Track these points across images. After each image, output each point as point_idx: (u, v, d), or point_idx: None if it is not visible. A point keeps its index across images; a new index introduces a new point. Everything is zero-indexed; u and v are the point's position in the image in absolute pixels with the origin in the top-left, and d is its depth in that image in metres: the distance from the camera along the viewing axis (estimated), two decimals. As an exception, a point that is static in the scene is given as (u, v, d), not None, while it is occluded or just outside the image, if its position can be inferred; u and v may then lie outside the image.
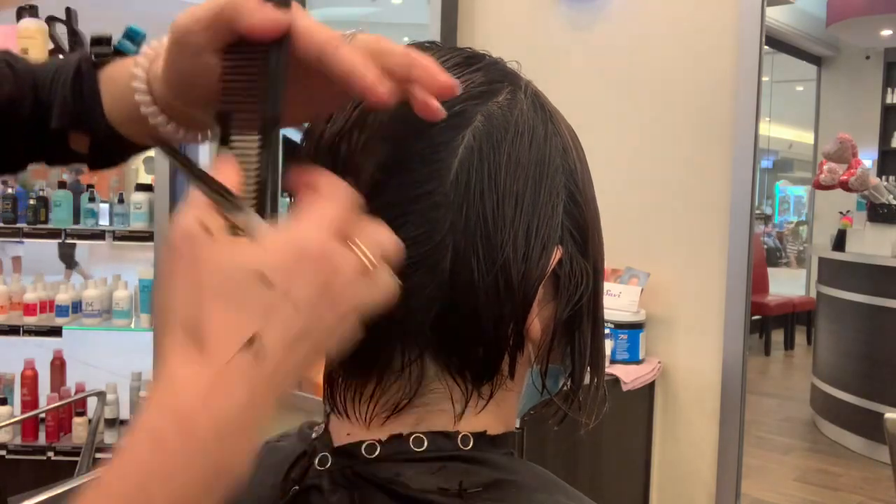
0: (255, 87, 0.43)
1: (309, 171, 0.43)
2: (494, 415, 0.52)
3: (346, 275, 0.40)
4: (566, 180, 0.51)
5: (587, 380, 0.54)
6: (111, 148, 0.62)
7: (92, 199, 2.93)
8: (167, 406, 0.37)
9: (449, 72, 0.46)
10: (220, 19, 0.43)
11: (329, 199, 0.41)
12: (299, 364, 0.39)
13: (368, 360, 0.50)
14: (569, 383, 0.54)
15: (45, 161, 0.66)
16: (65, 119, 0.61)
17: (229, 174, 0.41)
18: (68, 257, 8.56)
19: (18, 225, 2.90)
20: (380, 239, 0.42)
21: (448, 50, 0.52)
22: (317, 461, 0.51)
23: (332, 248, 0.39)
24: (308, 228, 0.39)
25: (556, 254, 0.50)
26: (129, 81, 0.54)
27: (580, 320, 0.52)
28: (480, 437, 0.50)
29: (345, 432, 0.51)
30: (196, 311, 0.38)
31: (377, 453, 0.49)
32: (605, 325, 2.28)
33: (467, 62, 0.51)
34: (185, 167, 0.43)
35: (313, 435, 0.54)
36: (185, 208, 0.40)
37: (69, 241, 2.96)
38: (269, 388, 0.38)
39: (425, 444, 0.49)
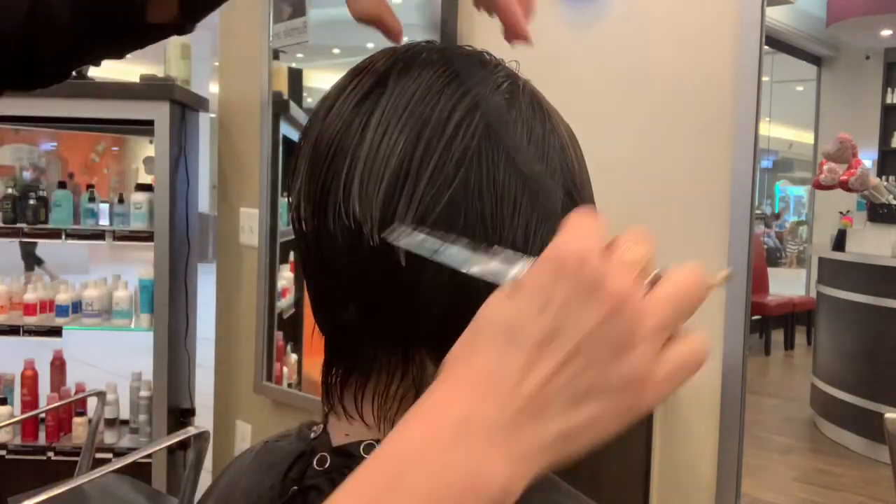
0: None
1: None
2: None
3: (619, 277, 0.39)
4: (564, 179, 0.51)
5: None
6: (203, 2, 0.59)
7: (92, 199, 2.94)
8: (418, 408, 0.37)
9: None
10: None
11: (584, 217, 0.41)
12: (563, 370, 0.37)
13: (366, 360, 0.50)
14: None
15: (112, 54, 0.63)
16: None
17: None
18: (30, 256, 8.33)
19: (18, 225, 2.90)
20: (683, 282, 0.42)
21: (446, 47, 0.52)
22: (315, 461, 0.51)
23: (593, 253, 0.39)
24: (567, 237, 0.39)
25: None
26: None
27: None
28: None
29: (343, 432, 0.51)
30: (458, 345, 0.38)
31: None
32: (605, 325, 2.28)
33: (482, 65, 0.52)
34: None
35: (312, 435, 0.54)
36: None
37: (69, 240, 2.96)
38: (520, 392, 0.36)
39: None
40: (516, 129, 0.49)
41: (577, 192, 0.52)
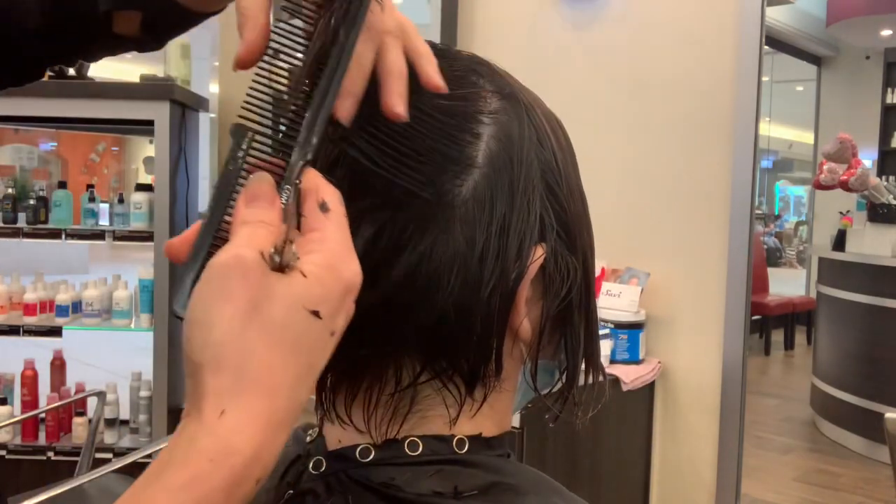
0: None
1: (317, 180, 0.42)
2: (489, 417, 0.51)
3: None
4: (543, 173, 0.50)
5: (583, 375, 0.54)
6: (165, 22, 0.59)
7: (92, 199, 2.93)
8: (217, 451, 0.35)
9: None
10: None
11: (338, 214, 0.41)
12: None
13: (356, 367, 0.49)
14: (563, 379, 0.54)
15: (85, 57, 0.63)
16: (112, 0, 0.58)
17: None
18: None
19: (18, 225, 2.90)
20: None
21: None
22: (311, 465, 0.50)
23: (360, 274, 0.40)
24: (346, 259, 0.40)
25: (538, 251, 0.49)
26: None
27: (571, 316, 0.51)
28: (475, 439, 0.50)
29: (337, 437, 0.51)
30: (249, 347, 0.36)
31: (371, 457, 0.48)
32: (606, 325, 2.28)
33: (444, 55, 0.50)
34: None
35: (308, 439, 0.54)
36: (237, 239, 0.38)
37: (69, 240, 2.96)
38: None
39: (420, 447, 0.48)
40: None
41: (558, 185, 0.50)
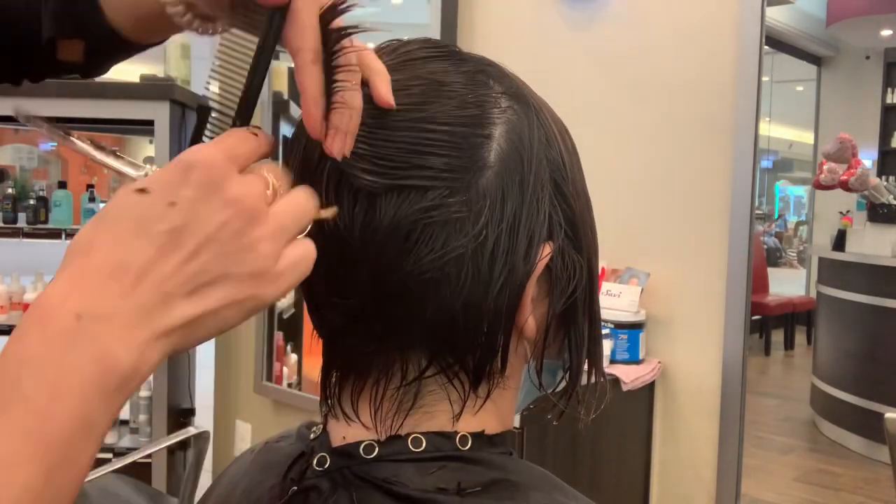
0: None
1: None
2: (492, 414, 0.52)
3: (244, 182, 0.40)
4: (552, 173, 0.50)
5: (585, 375, 0.54)
6: (108, 51, 0.60)
7: (92, 199, 2.94)
8: (32, 308, 0.37)
9: (429, 68, 0.49)
10: None
11: (230, 134, 0.43)
12: (190, 260, 0.39)
13: (363, 362, 0.50)
14: (566, 378, 0.54)
15: (29, 78, 0.65)
16: (57, 26, 0.59)
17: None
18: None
19: (18, 225, 2.90)
20: (300, 200, 0.43)
21: (429, 44, 0.52)
22: (315, 462, 0.51)
23: (220, 159, 0.40)
24: (201, 148, 0.41)
25: (546, 249, 0.49)
26: None
27: (575, 315, 0.52)
28: (478, 436, 0.50)
29: (342, 433, 0.51)
30: (82, 236, 0.39)
31: (375, 453, 0.49)
32: (605, 325, 2.28)
33: (454, 55, 0.51)
34: (59, 135, 0.45)
35: (312, 436, 0.54)
36: None
37: (69, 241, 2.96)
38: (147, 279, 0.38)
39: (423, 444, 0.49)
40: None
41: (566, 186, 0.51)
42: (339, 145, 0.45)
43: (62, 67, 0.63)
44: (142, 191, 0.39)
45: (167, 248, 0.38)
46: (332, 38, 0.44)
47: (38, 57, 0.62)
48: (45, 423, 0.34)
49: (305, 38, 0.44)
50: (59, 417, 0.34)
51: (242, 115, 0.45)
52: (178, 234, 0.38)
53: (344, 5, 0.44)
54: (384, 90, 0.46)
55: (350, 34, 0.45)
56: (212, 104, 0.47)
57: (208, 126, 0.47)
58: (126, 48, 0.60)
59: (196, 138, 0.46)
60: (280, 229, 0.41)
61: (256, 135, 0.44)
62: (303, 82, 0.44)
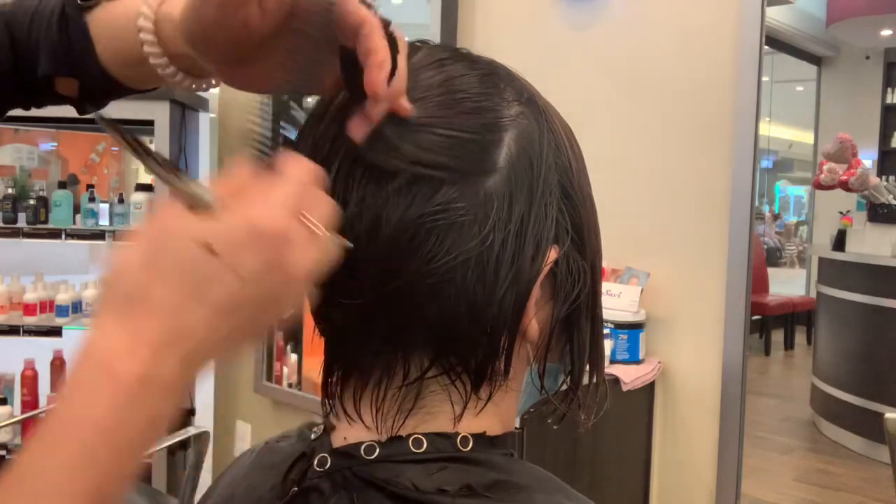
0: None
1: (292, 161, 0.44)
2: (494, 415, 0.52)
3: (297, 246, 0.41)
4: (560, 178, 0.50)
5: (587, 379, 0.54)
6: (102, 90, 0.62)
7: (92, 199, 2.93)
8: (94, 360, 0.38)
9: (444, 71, 0.49)
10: None
11: (288, 176, 0.42)
12: (239, 330, 0.40)
13: (365, 362, 0.50)
14: (568, 382, 0.54)
15: (27, 106, 0.66)
16: (53, 64, 0.61)
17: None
18: None
19: (18, 225, 2.90)
20: (326, 209, 0.43)
21: (440, 49, 0.52)
22: (316, 462, 0.51)
23: (286, 226, 0.40)
24: (265, 206, 0.40)
25: (552, 253, 0.49)
26: (131, 24, 0.54)
27: (578, 319, 0.52)
28: (480, 438, 0.50)
29: (343, 434, 0.51)
30: (137, 278, 0.39)
31: (376, 454, 0.49)
32: (605, 325, 2.28)
33: (466, 58, 0.51)
34: (132, 146, 0.43)
35: (312, 436, 0.54)
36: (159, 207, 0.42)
37: (69, 240, 2.96)
38: (201, 348, 0.39)
39: (425, 445, 0.49)
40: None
41: (573, 191, 0.51)
42: (405, 106, 0.46)
43: (60, 100, 0.66)
44: (208, 249, 0.39)
45: (222, 317, 0.40)
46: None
47: (40, 88, 0.64)
48: (110, 487, 0.38)
49: (371, 21, 0.45)
50: (119, 479, 0.38)
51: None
52: (236, 306, 0.40)
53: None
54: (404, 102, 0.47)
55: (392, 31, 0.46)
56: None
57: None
58: (119, 90, 0.62)
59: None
60: (309, 281, 0.43)
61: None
62: (376, 44, 0.44)
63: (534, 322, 0.50)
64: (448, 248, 0.46)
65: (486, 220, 0.47)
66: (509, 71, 0.53)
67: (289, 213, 0.41)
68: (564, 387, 0.55)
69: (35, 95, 0.65)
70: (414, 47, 0.52)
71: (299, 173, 0.43)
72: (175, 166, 0.41)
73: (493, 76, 0.51)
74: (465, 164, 0.47)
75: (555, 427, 0.55)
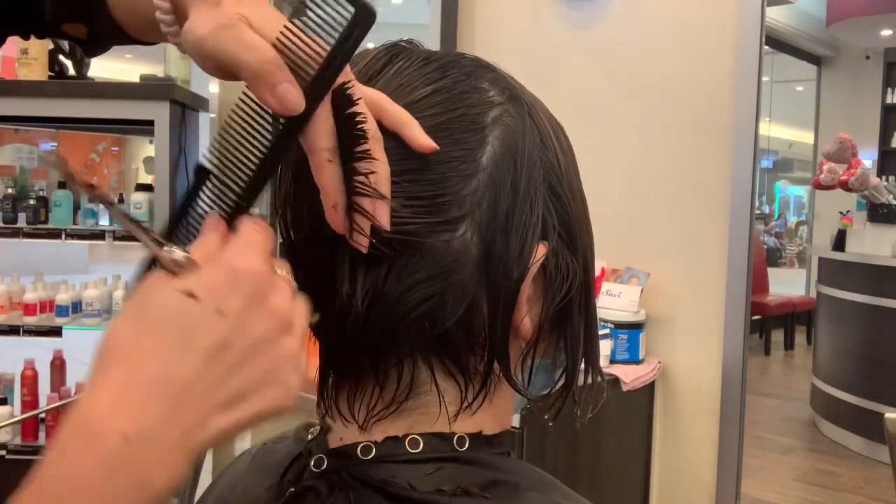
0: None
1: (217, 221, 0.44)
2: (490, 414, 0.52)
3: (282, 291, 0.40)
4: (546, 174, 0.50)
5: (583, 376, 0.54)
6: (111, 37, 0.62)
7: (92, 200, 2.93)
8: (77, 420, 0.37)
9: (422, 78, 0.49)
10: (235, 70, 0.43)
11: (256, 231, 0.42)
12: (232, 374, 0.38)
13: (359, 365, 0.50)
14: (563, 378, 0.54)
15: (36, 35, 0.66)
16: (61, 12, 0.60)
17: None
18: None
19: (18, 225, 2.90)
20: (304, 301, 0.43)
21: (422, 54, 0.52)
22: (312, 463, 0.51)
23: (263, 267, 0.40)
24: (241, 250, 0.40)
25: (541, 250, 0.49)
26: None
27: (570, 315, 0.52)
28: (476, 437, 0.50)
29: (339, 435, 0.51)
30: (123, 336, 0.38)
31: (373, 455, 0.49)
32: (606, 325, 2.28)
33: (440, 68, 0.51)
34: (119, 215, 0.43)
35: (309, 437, 0.54)
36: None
37: (69, 240, 2.96)
38: (192, 396, 0.37)
39: (421, 445, 0.49)
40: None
41: (561, 187, 0.51)
42: (363, 240, 0.46)
43: (66, 37, 0.64)
44: (190, 295, 0.38)
45: (212, 363, 0.38)
46: (347, 127, 0.44)
47: (48, 26, 0.63)
48: None
49: (319, 138, 0.44)
50: None
51: (250, 196, 0.45)
52: (224, 348, 0.38)
53: (351, 85, 0.44)
54: (419, 137, 0.47)
55: (362, 122, 0.44)
56: (212, 169, 0.46)
57: (206, 192, 0.46)
58: (127, 40, 0.61)
59: (190, 197, 0.46)
60: (302, 336, 0.42)
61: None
62: (320, 181, 0.44)
63: (526, 319, 0.50)
64: (437, 248, 0.47)
65: (472, 219, 0.47)
66: (494, 69, 0.53)
67: (264, 258, 0.41)
68: (560, 384, 0.55)
69: (43, 31, 0.65)
70: (401, 48, 0.52)
71: (267, 230, 0.43)
72: (133, 220, 0.42)
73: (476, 76, 0.51)
74: (450, 167, 0.48)
75: (550, 424, 0.55)
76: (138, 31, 0.58)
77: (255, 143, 0.46)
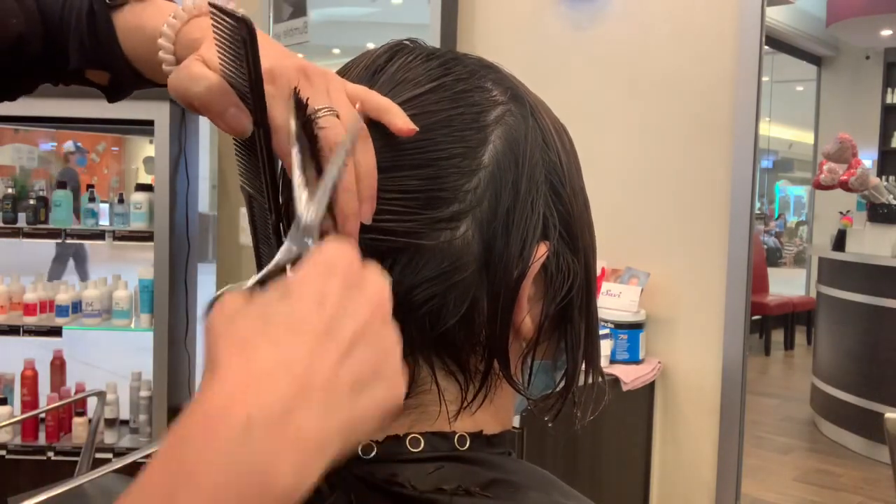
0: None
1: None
2: (490, 414, 0.52)
3: (376, 280, 0.40)
4: (548, 173, 0.50)
5: (583, 376, 0.54)
6: (131, 81, 0.65)
7: (92, 199, 2.93)
8: (196, 410, 0.35)
9: (425, 74, 0.49)
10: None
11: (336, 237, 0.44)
12: (345, 357, 0.37)
13: None
14: (563, 378, 0.54)
15: (63, 82, 0.70)
16: (83, 60, 0.64)
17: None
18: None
19: (18, 225, 2.90)
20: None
21: (425, 51, 0.52)
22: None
23: (352, 254, 0.40)
24: (335, 246, 0.40)
25: (541, 249, 0.49)
26: (154, 41, 0.57)
27: (571, 315, 0.52)
28: (477, 436, 0.50)
29: None
30: (231, 331, 0.37)
31: (374, 454, 0.49)
32: (606, 325, 2.28)
33: (443, 65, 0.51)
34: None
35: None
36: (219, 302, 0.39)
37: (69, 241, 2.96)
38: (314, 374, 0.35)
39: (422, 444, 0.49)
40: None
41: (562, 187, 0.51)
42: (351, 227, 0.46)
43: (90, 84, 0.69)
44: (285, 295, 0.38)
45: (325, 344, 0.36)
46: (308, 130, 0.46)
47: (72, 74, 0.67)
48: None
49: (284, 143, 0.47)
50: None
51: (276, 208, 0.50)
52: (331, 330, 0.37)
53: (297, 91, 0.46)
54: (398, 122, 0.47)
55: (313, 125, 0.46)
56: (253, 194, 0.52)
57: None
58: (146, 82, 0.64)
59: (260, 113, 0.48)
60: (395, 328, 0.41)
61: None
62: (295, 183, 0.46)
63: (527, 319, 0.50)
64: (438, 247, 0.48)
65: (473, 218, 0.48)
66: (497, 69, 0.53)
67: (353, 247, 0.40)
68: (561, 384, 0.54)
69: (67, 79, 0.68)
70: (403, 46, 0.53)
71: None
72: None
73: (479, 76, 0.51)
74: (452, 166, 0.48)
75: (549, 424, 0.55)
76: (153, 74, 0.62)
77: (256, 162, 0.50)
